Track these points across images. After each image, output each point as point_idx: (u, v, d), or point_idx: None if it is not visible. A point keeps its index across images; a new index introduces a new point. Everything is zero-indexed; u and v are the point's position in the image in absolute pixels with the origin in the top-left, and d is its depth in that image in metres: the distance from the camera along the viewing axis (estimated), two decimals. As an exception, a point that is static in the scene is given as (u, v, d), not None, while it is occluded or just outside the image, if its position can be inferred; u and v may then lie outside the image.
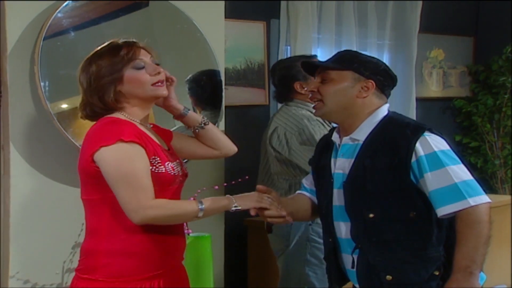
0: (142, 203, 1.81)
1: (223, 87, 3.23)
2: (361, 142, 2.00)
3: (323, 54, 4.10)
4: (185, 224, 2.86)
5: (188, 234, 2.74)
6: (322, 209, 2.11)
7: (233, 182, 3.11)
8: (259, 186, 2.04)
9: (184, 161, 2.15)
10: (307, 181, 2.23)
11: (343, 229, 2.01)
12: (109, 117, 1.92)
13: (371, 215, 1.94)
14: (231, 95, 3.62)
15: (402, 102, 4.43)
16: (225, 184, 3.17)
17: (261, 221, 3.63)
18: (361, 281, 1.99)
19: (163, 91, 1.95)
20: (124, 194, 1.82)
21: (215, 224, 3.20)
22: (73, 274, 1.98)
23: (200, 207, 1.88)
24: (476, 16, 5.06)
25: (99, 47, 1.96)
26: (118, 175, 1.82)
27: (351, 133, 2.02)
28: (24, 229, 2.71)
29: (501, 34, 4.88)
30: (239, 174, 3.06)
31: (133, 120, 1.94)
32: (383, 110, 2.03)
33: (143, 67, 1.91)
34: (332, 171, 2.04)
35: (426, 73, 4.83)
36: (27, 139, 2.73)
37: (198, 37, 3.12)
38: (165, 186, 1.91)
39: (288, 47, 3.94)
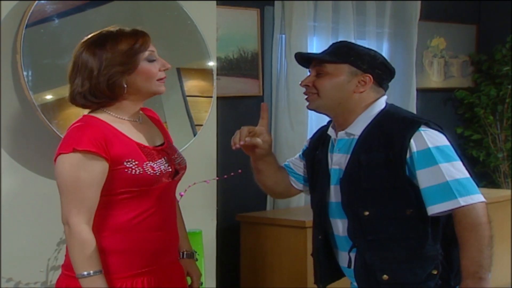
0: (68, 216, 1.85)
1: (215, 77, 3.18)
2: (356, 137, 1.96)
3: (319, 43, 4.04)
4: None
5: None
6: (314, 205, 2.08)
7: (225, 176, 3.07)
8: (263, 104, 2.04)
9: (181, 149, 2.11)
10: (294, 165, 2.18)
11: (340, 226, 1.99)
12: (86, 117, 1.93)
13: (366, 213, 1.91)
14: (224, 86, 3.59)
15: (402, 93, 4.40)
16: (217, 178, 3.12)
17: (254, 217, 3.62)
18: (359, 280, 1.96)
19: (163, 87, 1.95)
20: (62, 203, 1.87)
21: (207, 219, 3.17)
22: (58, 271, 2.01)
23: (85, 273, 1.83)
24: (478, 3, 5.03)
25: (109, 30, 1.92)
26: (61, 184, 1.87)
27: (347, 128, 1.98)
28: (6, 225, 2.66)
29: (504, 22, 4.87)
30: (231, 167, 3.00)
31: (118, 117, 1.93)
32: (380, 103, 1.99)
33: (154, 60, 1.91)
34: (329, 167, 2.01)
35: (427, 62, 4.80)
36: (9, 131, 2.68)
37: (188, 24, 3.08)
38: (147, 187, 1.90)
39: (283, 36, 3.91)
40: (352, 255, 1.95)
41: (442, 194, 1.84)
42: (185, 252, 2.11)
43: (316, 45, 4.04)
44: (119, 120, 1.93)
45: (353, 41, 4.11)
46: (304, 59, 2.04)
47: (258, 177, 2.14)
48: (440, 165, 1.85)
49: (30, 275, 2.68)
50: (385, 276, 1.90)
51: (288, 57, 3.84)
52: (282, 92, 3.87)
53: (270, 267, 3.51)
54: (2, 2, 2.63)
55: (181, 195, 2.85)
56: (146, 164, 1.89)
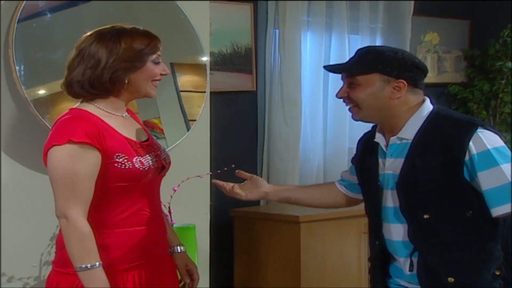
0: (65, 209, 1.83)
1: (208, 72, 3.17)
2: (409, 141, 1.95)
3: (313, 38, 4.03)
4: (168, 215, 2.80)
5: (172, 225, 2.72)
6: (369, 211, 2.08)
7: (219, 171, 3.06)
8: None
9: (168, 149, 2.10)
10: (347, 173, 2.22)
11: (396, 231, 1.98)
12: (75, 110, 1.92)
13: (426, 216, 1.91)
14: (217, 81, 3.58)
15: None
16: (211, 173, 3.12)
17: (248, 212, 3.62)
18: (422, 284, 1.95)
19: (154, 92, 1.97)
20: (57, 195, 1.85)
21: (200, 214, 3.17)
22: (51, 266, 1.98)
23: (84, 266, 1.82)
24: (472, -2, 4.98)
25: (122, 26, 1.93)
26: (56, 176, 1.84)
27: (398, 133, 1.97)
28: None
29: (498, 17, 4.84)
30: (225, 162, 3.00)
31: (107, 111, 1.92)
32: (428, 106, 1.98)
33: (159, 63, 1.95)
34: (381, 172, 2.00)
35: (420, 57, 4.76)
36: (1, 126, 2.67)
37: (181, 19, 3.08)
38: (133, 182, 1.90)
39: (277, 31, 3.89)
40: (414, 259, 1.94)
41: (507, 195, 1.85)
42: (178, 247, 2.11)
43: (309, 40, 4.03)
44: (107, 114, 1.93)
45: (346, 36, 4.11)
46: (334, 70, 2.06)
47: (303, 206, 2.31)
48: (501, 166, 1.85)
49: (23, 270, 2.68)
50: (450, 279, 1.89)
51: (281, 51, 3.83)
52: (276, 87, 3.86)
53: (264, 261, 3.51)
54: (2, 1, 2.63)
55: (175, 190, 2.85)
56: (136, 159, 1.89)
